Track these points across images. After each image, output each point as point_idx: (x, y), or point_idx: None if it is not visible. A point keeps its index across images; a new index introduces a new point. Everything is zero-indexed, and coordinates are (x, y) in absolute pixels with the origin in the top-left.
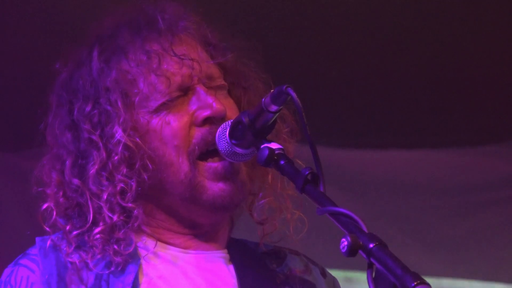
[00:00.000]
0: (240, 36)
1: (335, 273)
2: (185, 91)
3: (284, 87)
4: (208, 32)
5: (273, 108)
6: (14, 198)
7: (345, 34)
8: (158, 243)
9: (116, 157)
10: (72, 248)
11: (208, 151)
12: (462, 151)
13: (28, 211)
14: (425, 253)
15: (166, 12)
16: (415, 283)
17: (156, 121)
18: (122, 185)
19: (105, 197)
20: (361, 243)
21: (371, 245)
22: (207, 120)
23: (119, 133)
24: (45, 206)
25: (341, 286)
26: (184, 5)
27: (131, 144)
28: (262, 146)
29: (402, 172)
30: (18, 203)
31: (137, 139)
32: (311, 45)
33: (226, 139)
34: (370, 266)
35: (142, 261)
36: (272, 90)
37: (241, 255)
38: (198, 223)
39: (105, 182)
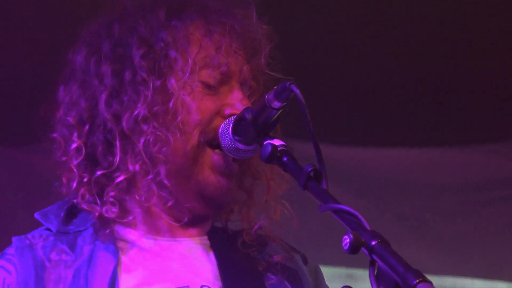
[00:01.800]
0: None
1: (338, 270)
2: (226, 81)
3: (288, 83)
4: (268, 46)
5: (276, 104)
6: (17, 193)
7: (350, 30)
8: (137, 232)
9: (158, 106)
10: (87, 196)
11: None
12: (466, 149)
13: (31, 205)
14: (427, 251)
15: (242, 9)
16: (417, 281)
17: (193, 90)
18: (159, 133)
19: (142, 140)
20: (363, 240)
21: (373, 243)
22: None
23: (172, 84)
24: (74, 145)
25: (343, 283)
26: (257, 14)
27: (180, 99)
28: (265, 143)
29: (405, 170)
30: (20, 198)
31: (186, 97)
32: (315, 41)
33: (229, 135)
34: (372, 264)
35: (122, 252)
36: (275, 87)
37: (221, 242)
38: (180, 204)
39: (144, 126)
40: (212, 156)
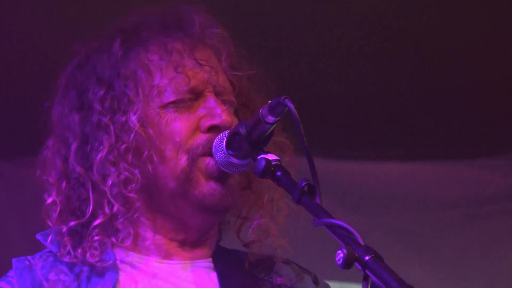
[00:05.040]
0: (260, 63)
1: (331, 284)
2: (197, 95)
3: (282, 98)
4: (231, 47)
5: (271, 119)
6: (10, 206)
7: (343, 45)
8: (138, 254)
9: (124, 145)
10: (69, 247)
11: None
12: (459, 164)
13: (23, 219)
14: (421, 265)
15: (195, 17)
16: None
17: (163, 116)
18: (127, 173)
19: (109, 183)
20: (356, 255)
21: (366, 258)
22: (213, 129)
23: (132, 121)
24: (49, 200)
25: None
26: (213, 16)
27: (142, 133)
28: (259, 157)
29: (399, 185)
30: (13, 211)
31: (149, 130)
32: (309, 56)
33: (223, 150)
34: (365, 279)
35: (120, 274)
36: (269, 101)
37: (226, 264)
38: (185, 224)
39: (111, 169)
40: (207, 163)
